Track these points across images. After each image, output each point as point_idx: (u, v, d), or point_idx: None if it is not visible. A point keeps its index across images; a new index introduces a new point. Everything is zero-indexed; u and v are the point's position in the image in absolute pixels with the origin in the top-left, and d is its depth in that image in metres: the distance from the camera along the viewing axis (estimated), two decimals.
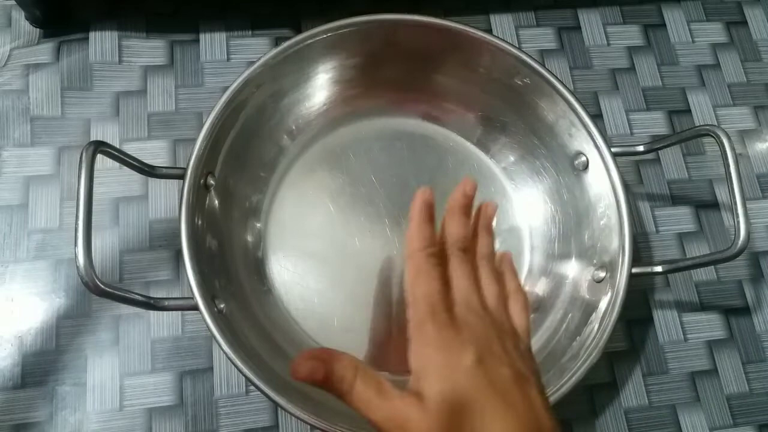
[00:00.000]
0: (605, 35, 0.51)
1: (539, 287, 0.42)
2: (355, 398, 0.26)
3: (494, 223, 0.36)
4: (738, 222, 0.36)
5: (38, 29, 0.46)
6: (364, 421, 0.32)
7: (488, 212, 0.36)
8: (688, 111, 0.50)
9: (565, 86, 0.40)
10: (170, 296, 0.41)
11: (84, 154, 0.31)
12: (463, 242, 0.32)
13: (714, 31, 0.53)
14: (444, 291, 0.30)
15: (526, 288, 0.43)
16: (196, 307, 0.33)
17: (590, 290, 0.39)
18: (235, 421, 0.39)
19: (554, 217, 0.43)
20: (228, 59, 0.47)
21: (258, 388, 0.33)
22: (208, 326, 0.33)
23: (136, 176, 0.37)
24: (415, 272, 0.30)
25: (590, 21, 0.51)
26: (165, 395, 0.39)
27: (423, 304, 0.29)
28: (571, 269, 0.41)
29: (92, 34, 0.46)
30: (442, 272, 0.30)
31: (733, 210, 0.37)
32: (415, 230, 0.32)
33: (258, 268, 0.41)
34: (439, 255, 0.31)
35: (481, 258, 0.34)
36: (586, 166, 0.41)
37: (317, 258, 0.42)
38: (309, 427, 0.39)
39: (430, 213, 0.32)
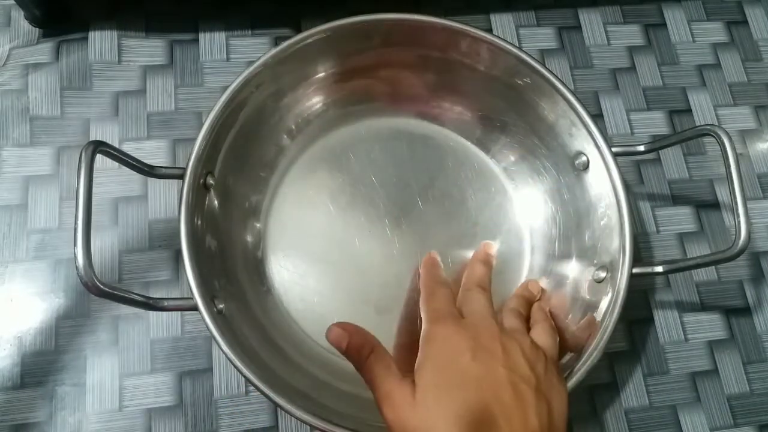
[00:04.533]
0: (606, 35, 0.51)
1: None
2: (366, 370, 0.30)
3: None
4: (739, 222, 0.36)
5: (38, 29, 0.46)
6: (364, 421, 0.33)
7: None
8: (689, 111, 0.50)
9: (565, 86, 0.40)
10: (170, 296, 0.41)
11: (83, 154, 0.31)
12: (482, 282, 0.38)
13: (714, 31, 0.53)
14: (453, 303, 0.35)
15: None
16: (195, 308, 0.33)
17: (591, 290, 0.39)
18: (234, 421, 0.39)
19: (555, 217, 0.43)
20: (228, 59, 0.47)
21: (258, 389, 0.32)
22: (207, 326, 0.33)
23: (136, 176, 0.37)
24: (428, 294, 0.36)
25: (591, 20, 0.51)
26: (165, 396, 0.39)
27: (432, 313, 0.34)
28: (572, 269, 0.41)
29: (92, 34, 0.46)
30: (454, 293, 0.36)
31: (733, 210, 0.36)
32: (424, 274, 0.39)
33: (258, 268, 0.41)
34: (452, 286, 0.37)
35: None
36: (586, 166, 0.40)
37: (317, 258, 0.42)
38: (309, 427, 0.39)
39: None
